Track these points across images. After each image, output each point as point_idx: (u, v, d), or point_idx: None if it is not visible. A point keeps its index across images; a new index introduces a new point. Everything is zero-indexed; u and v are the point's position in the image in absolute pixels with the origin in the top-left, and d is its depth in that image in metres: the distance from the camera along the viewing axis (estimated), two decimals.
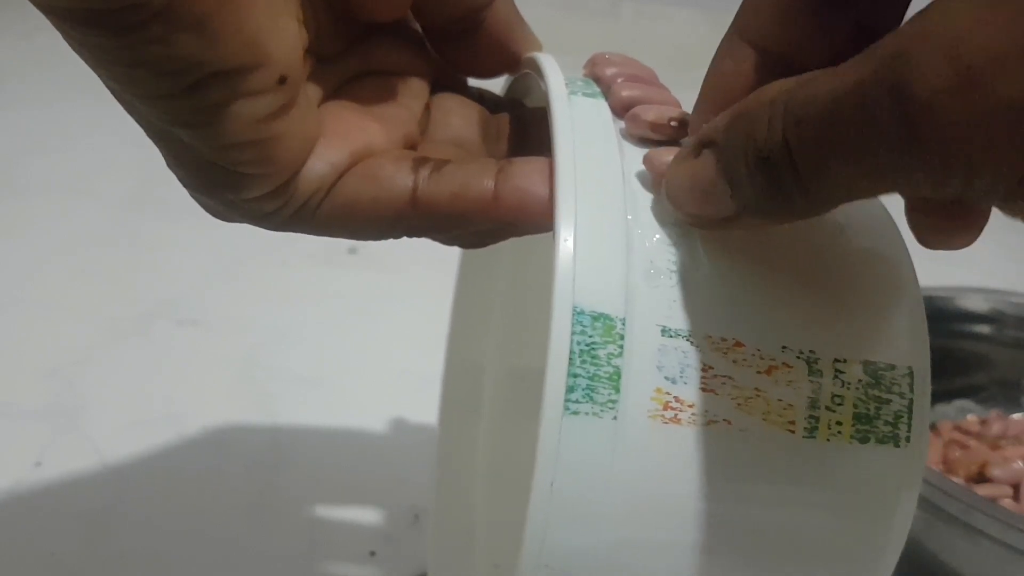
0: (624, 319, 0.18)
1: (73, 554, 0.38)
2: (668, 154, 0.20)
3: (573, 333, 0.18)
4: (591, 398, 0.18)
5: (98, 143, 0.66)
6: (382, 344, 0.54)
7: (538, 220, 0.21)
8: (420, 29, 0.25)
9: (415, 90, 0.24)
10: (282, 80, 0.20)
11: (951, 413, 0.50)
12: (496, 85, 0.27)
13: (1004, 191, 0.14)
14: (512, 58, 0.25)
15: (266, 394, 0.49)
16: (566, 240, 0.19)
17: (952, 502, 0.35)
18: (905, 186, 0.15)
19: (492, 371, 0.37)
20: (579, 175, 0.20)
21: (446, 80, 0.26)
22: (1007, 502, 0.40)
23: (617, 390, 0.18)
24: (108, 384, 0.49)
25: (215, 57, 0.18)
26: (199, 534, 0.40)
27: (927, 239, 0.19)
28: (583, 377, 0.18)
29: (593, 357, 0.18)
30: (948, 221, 0.18)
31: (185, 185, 0.21)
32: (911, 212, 0.19)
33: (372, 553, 0.40)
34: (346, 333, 0.55)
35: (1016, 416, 0.50)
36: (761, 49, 0.20)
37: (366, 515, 0.42)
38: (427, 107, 0.25)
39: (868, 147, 0.15)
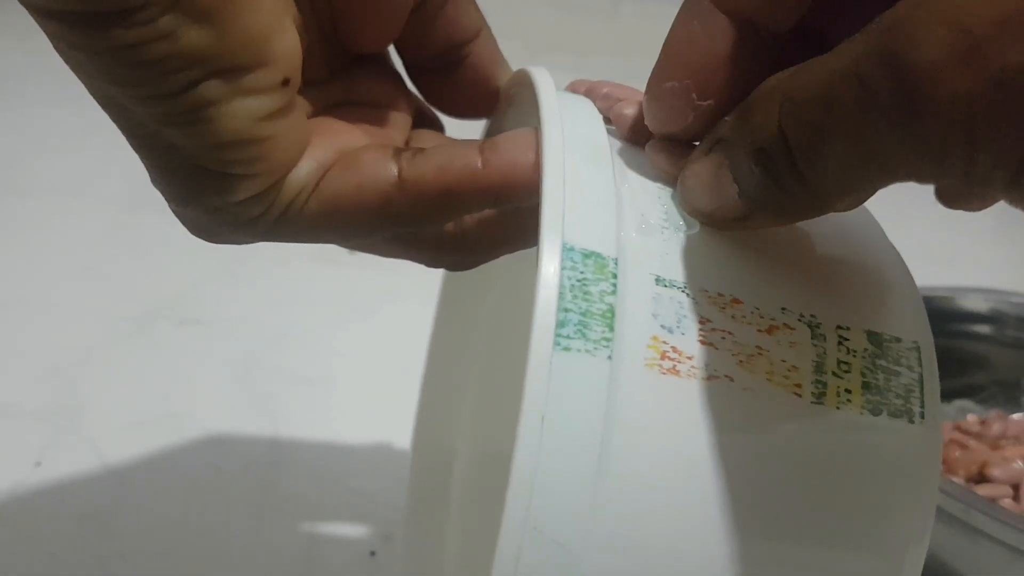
0: (616, 259, 0.17)
1: (73, 554, 0.38)
2: (628, 107, 0.21)
3: (563, 268, 0.17)
4: (583, 334, 0.16)
5: (98, 144, 0.65)
6: (382, 344, 0.54)
7: (528, 184, 0.21)
8: (402, 67, 0.26)
9: (397, 122, 0.25)
10: (285, 82, 0.20)
11: (951, 413, 0.50)
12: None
13: (1008, 174, 0.13)
14: (493, 94, 0.26)
15: (266, 394, 0.49)
16: (554, 178, 0.18)
17: (952, 502, 0.35)
18: (905, 170, 0.14)
19: (463, 456, 0.35)
20: (567, 135, 0.19)
21: (425, 123, 0.26)
22: (1007, 502, 0.40)
23: (611, 328, 0.16)
24: (108, 384, 0.49)
25: (221, 52, 0.18)
26: (199, 534, 0.40)
27: (946, 202, 0.18)
28: (575, 312, 0.16)
29: (585, 293, 0.17)
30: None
31: (169, 199, 0.21)
32: None
33: (372, 553, 0.40)
34: (346, 333, 0.55)
35: (1016, 416, 0.50)
36: (731, 11, 0.18)
37: (366, 515, 0.42)
38: (407, 143, 0.25)
39: (865, 127, 0.14)
